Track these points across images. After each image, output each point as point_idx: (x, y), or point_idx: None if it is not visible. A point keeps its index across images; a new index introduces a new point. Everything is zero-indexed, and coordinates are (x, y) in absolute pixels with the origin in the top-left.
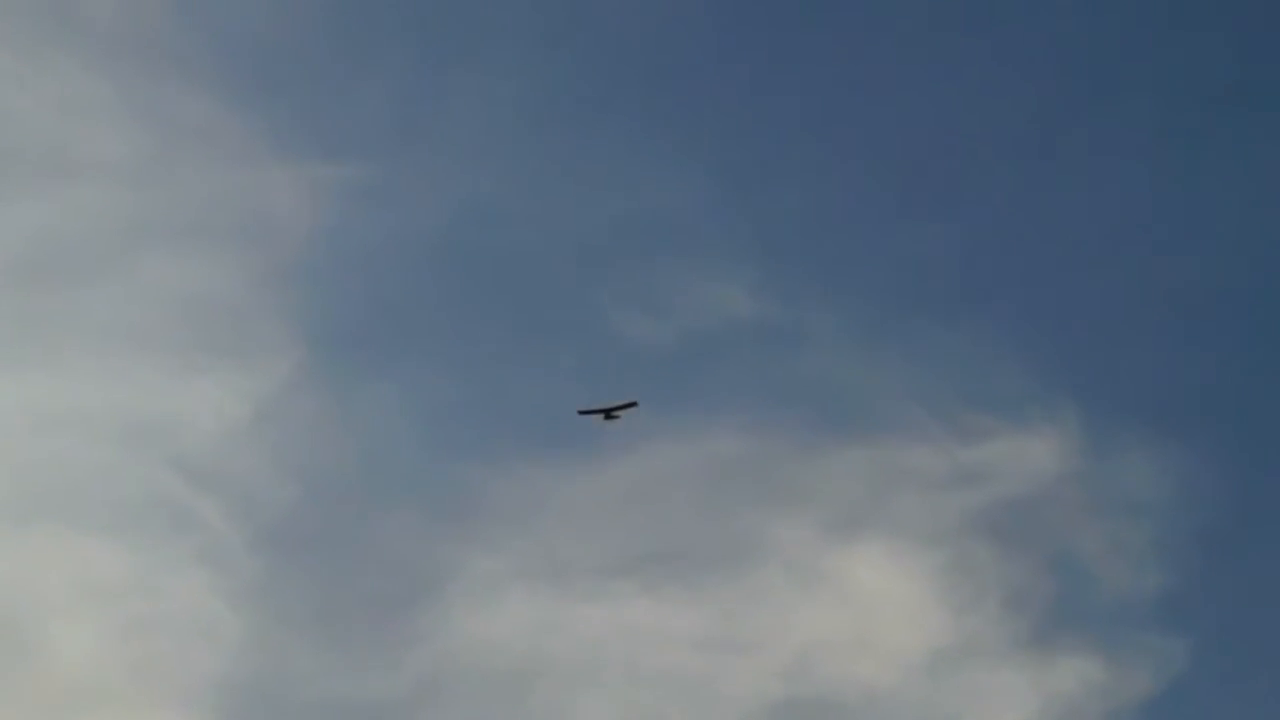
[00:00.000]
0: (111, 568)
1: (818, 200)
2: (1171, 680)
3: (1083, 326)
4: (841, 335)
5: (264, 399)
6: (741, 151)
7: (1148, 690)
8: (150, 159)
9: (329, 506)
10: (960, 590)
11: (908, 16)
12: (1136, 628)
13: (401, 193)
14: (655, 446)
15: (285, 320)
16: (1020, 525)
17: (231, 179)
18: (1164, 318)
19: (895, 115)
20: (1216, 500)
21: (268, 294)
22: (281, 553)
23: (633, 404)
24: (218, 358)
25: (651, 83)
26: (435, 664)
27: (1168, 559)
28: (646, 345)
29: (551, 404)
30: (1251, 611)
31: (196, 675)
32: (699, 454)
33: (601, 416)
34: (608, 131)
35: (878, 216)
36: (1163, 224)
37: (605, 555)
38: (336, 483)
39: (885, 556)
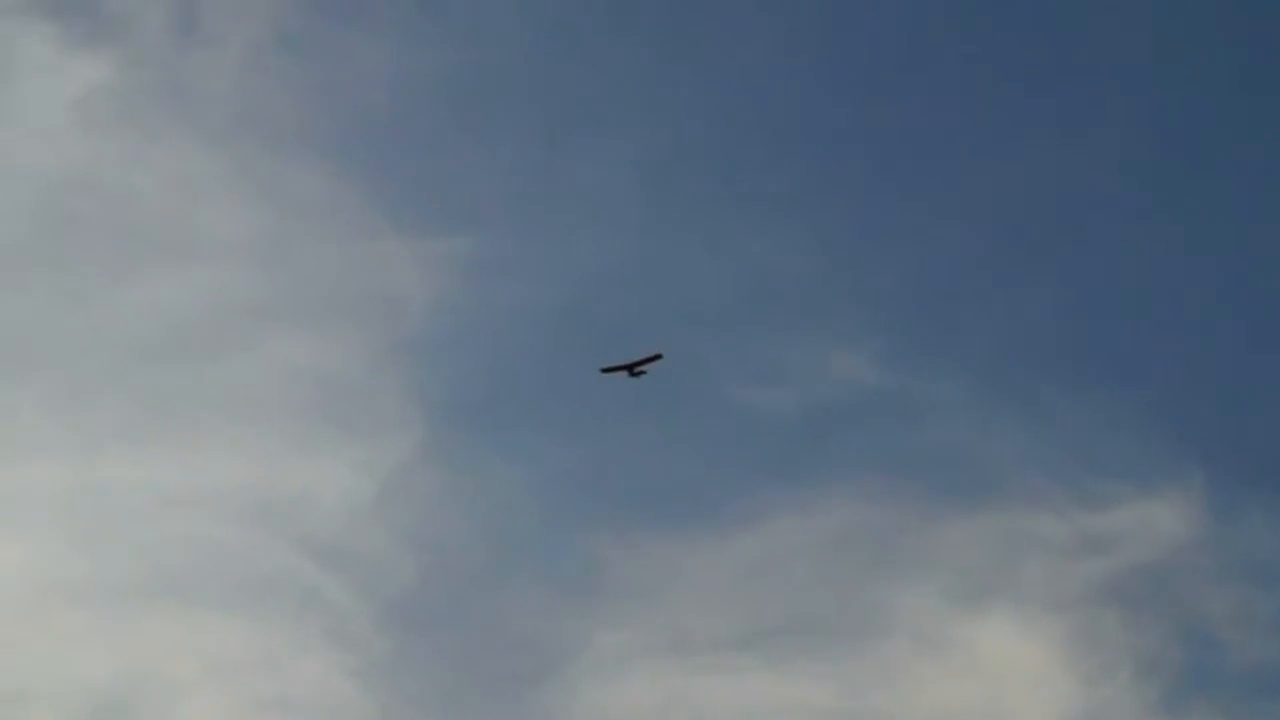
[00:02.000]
0: (239, 647)
1: (937, 266)
2: None
3: (1206, 390)
4: (963, 402)
5: (388, 475)
6: (859, 218)
7: None
8: (270, 236)
9: (454, 583)
10: (1089, 659)
11: (1018, 81)
12: (1268, 695)
13: (520, 264)
14: (778, 517)
15: (408, 395)
16: (1148, 592)
17: (352, 254)
18: None
19: (1013, 179)
20: None
21: (390, 369)
22: (408, 630)
23: (657, 356)
24: (342, 434)
25: (769, 149)
26: None
27: None
28: (767, 414)
29: (673, 475)
30: None
31: None
32: (821, 524)
33: (626, 373)
34: (725, 198)
35: (997, 281)
36: None
37: (730, 628)
38: (461, 558)
39: (1012, 625)
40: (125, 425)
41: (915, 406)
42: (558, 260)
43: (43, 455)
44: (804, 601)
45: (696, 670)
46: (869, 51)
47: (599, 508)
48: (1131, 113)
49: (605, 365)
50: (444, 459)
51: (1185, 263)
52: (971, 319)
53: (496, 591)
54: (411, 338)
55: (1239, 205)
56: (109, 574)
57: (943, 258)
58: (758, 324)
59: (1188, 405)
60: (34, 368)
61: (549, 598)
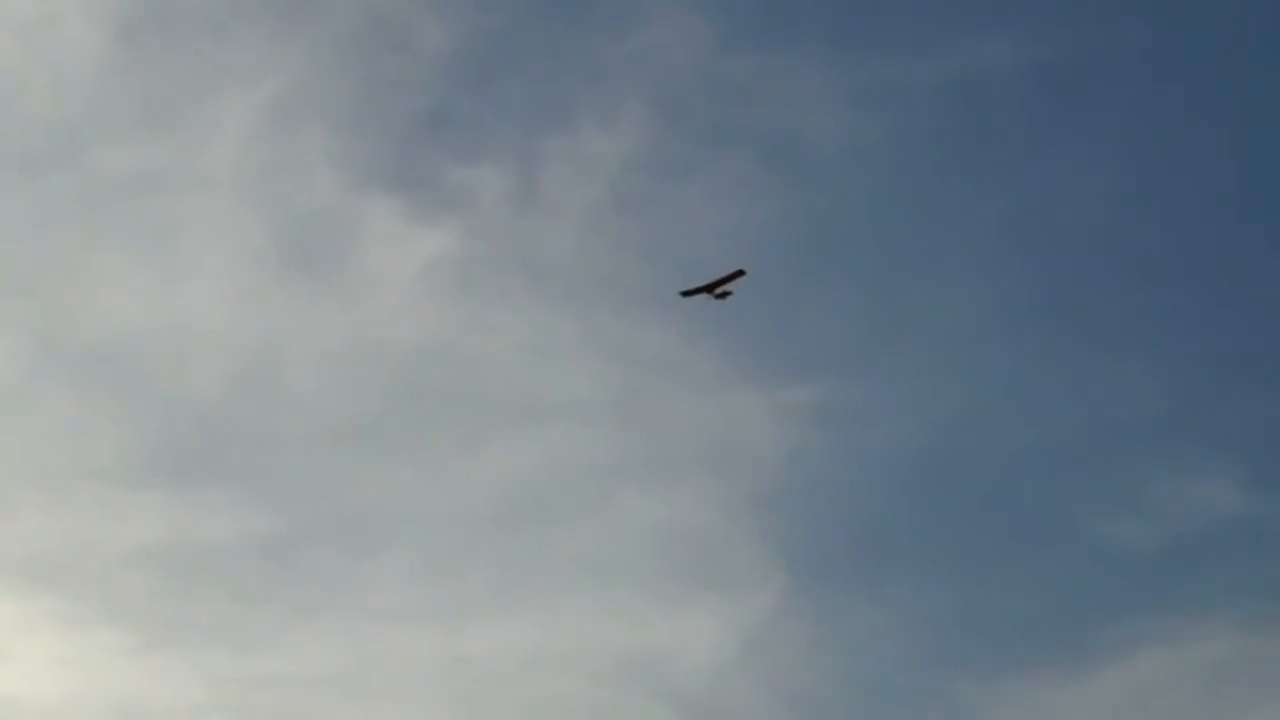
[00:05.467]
0: None
1: None
2: None
3: None
4: None
5: (752, 628)
6: (1210, 347)
7: None
8: (621, 394)
9: None
10: None
11: None
12: None
13: (870, 410)
14: (1146, 650)
15: (767, 546)
16: None
17: (704, 408)
18: None
19: None
20: None
21: (746, 521)
22: None
23: (740, 273)
24: (703, 589)
25: (1111, 288)
26: None
27: None
28: (1132, 549)
29: (1036, 613)
30: None
31: None
32: (1193, 655)
33: (707, 294)
34: (1070, 335)
35: None
36: None
37: None
38: (829, 708)
39: None
40: (487, 591)
41: None
42: (908, 405)
43: (409, 626)
44: None
45: None
46: (1210, 189)
47: (963, 651)
48: None
49: (683, 289)
50: (807, 609)
51: None
52: None
53: None
54: (768, 488)
55: None
56: None
57: None
58: (1113, 458)
59: None
60: (397, 539)
61: None
